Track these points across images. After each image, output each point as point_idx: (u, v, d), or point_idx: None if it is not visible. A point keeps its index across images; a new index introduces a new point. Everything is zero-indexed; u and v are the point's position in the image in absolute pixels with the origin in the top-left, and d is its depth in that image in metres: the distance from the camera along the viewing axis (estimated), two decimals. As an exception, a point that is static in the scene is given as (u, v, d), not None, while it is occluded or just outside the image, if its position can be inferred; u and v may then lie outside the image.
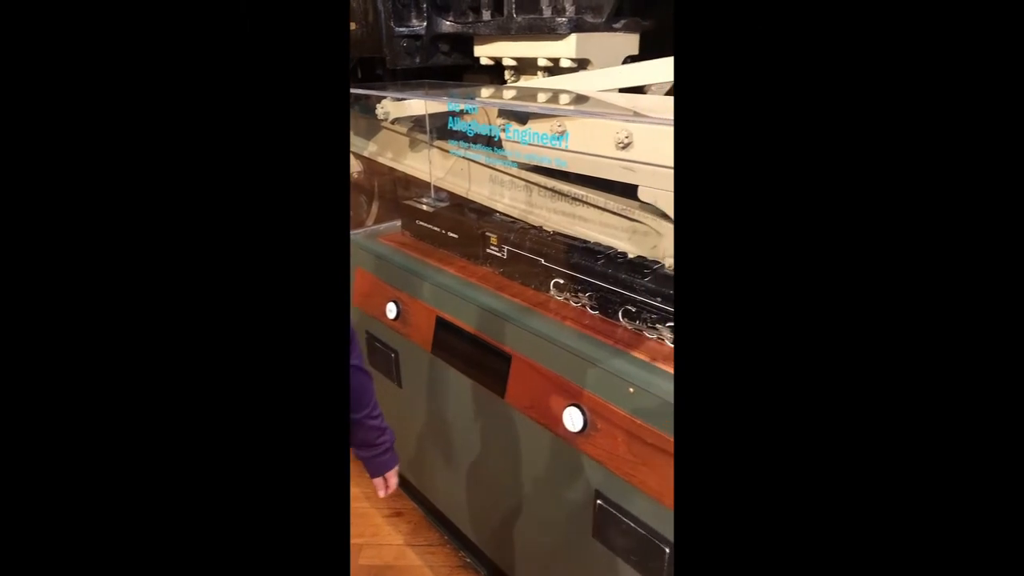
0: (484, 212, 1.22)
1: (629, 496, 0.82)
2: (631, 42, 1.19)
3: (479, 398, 1.06)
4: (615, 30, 1.14)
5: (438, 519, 1.39)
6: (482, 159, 1.20)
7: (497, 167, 1.19)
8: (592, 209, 1.04)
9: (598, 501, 0.87)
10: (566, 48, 1.13)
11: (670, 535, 0.78)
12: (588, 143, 0.95)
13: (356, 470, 0.83)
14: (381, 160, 1.52)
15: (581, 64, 1.16)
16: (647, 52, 1.19)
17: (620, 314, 0.90)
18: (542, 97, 1.13)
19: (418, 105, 1.28)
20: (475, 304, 1.02)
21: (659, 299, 0.85)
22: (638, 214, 0.96)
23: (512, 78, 1.31)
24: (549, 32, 1.12)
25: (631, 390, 0.78)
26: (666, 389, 0.75)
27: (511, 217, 1.18)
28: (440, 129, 1.26)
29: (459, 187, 1.30)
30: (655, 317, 0.85)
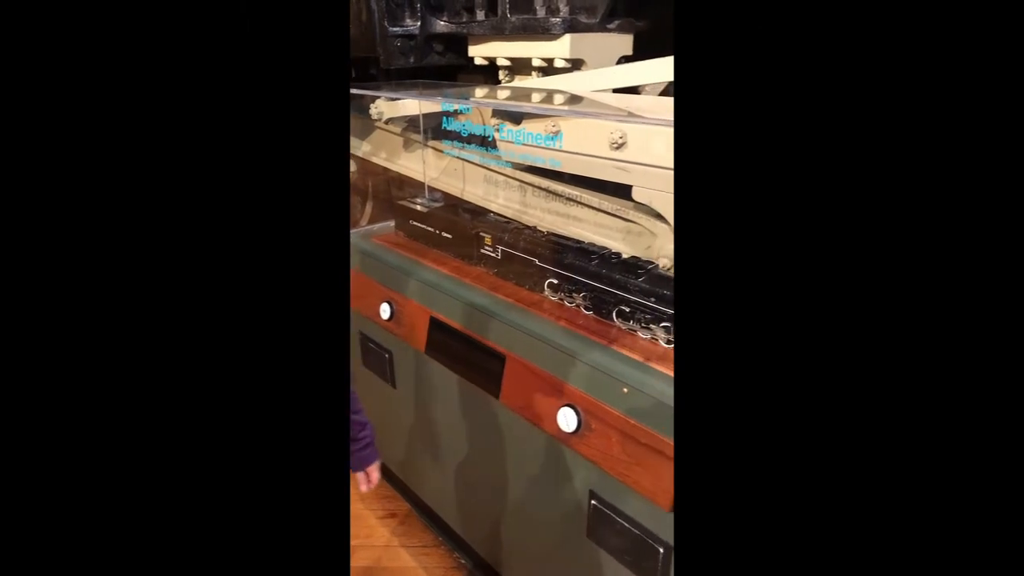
0: (478, 212, 1.22)
1: (623, 496, 0.82)
2: (625, 42, 1.20)
3: (473, 399, 1.06)
4: (609, 31, 1.14)
5: (432, 520, 1.39)
6: (476, 159, 1.19)
7: (491, 167, 1.18)
8: (586, 209, 1.04)
9: (592, 501, 0.87)
10: (560, 48, 1.13)
11: (664, 535, 0.78)
12: (582, 143, 0.95)
13: (349, 471, 0.83)
14: (375, 160, 1.52)
15: (575, 64, 1.16)
16: (641, 53, 1.19)
17: (614, 314, 0.90)
18: (536, 97, 1.13)
19: (412, 105, 1.28)
20: (469, 304, 1.02)
21: (653, 299, 0.85)
22: (632, 214, 0.96)
23: (506, 78, 1.31)
24: (543, 32, 1.12)
25: (625, 390, 0.78)
26: (660, 389, 0.75)
27: (505, 217, 1.18)
28: (434, 129, 1.26)
29: (453, 187, 1.30)
30: (649, 317, 0.85)
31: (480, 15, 1.23)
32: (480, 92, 1.27)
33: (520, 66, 1.26)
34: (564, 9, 1.10)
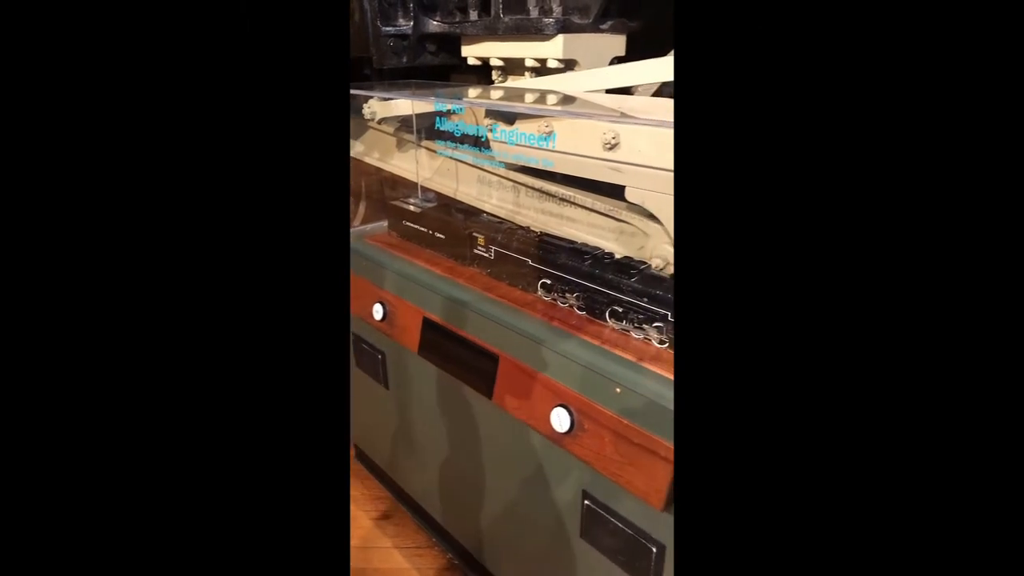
0: (471, 213, 1.22)
1: (616, 496, 0.82)
2: (618, 43, 1.20)
3: (466, 399, 1.06)
4: (602, 31, 1.14)
5: (425, 521, 1.39)
6: (469, 159, 1.19)
7: (484, 167, 1.18)
8: (579, 210, 1.04)
9: (585, 501, 0.87)
10: (553, 49, 1.13)
11: (657, 535, 0.78)
12: (575, 144, 0.95)
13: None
14: (368, 160, 1.51)
15: (568, 65, 1.16)
16: (633, 53, 1.19)
17: (607, 314, 0.90)
18: (529, 98, 1.13)
19: (405, 105, 1.27)
20: (462, 305, 1.02)
21: (646, 299, 0.85)
22: (625, 215, 0.96)
23: (499, 78, 1.30)
24: (536, 32, 1.12)
25: (618, 390, 0.78)
26: (653, 389, 0.75)
27: (498, 218, 1.18)
28: (427, 129, 1.26)
29: (446, 187, 1.30)
30: (642, 317, 0.86)
31: (473, 15, 1.23)
32: (473, 92, 1.27)
33: (513, 66, 1.26)
34: (557, 10, 1.10)
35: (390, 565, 1.33)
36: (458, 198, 1.27)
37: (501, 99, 1.19)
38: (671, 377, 0.78)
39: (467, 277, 1.11)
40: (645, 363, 0.81)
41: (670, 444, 0.72)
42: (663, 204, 0.86)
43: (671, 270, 0.89)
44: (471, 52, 1.28)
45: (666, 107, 0.96)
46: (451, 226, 1.17)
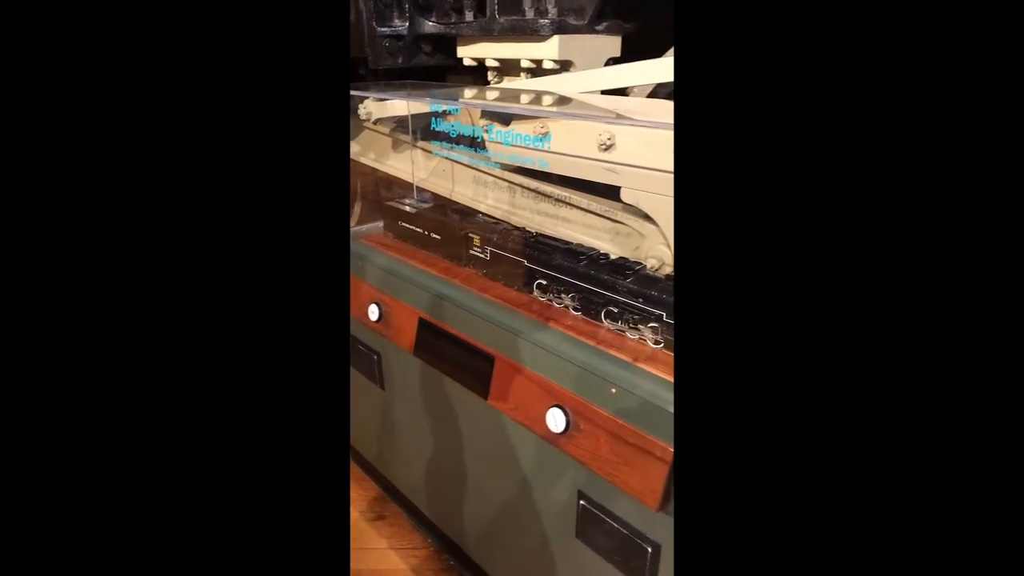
0: (467, 213, 1.22)
1: (612, 496, 0.83)
2: (613, 44, 1.20)
3: (462, 400, 1.06)
4: (597, 32, 1.14)
5: (421, 522, 1.38)
6: (465, 160, 1.19)
7: (480, 168, 1.18)
8: (575, 210, 1.04)
9: (581, 502, 0.87)
10: (548, 50, 1.13)
11: (652, 535, 0.78)
12: (571, 145, 0.95)
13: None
14: (363, 161, 1.51)
15: (564, 66, 1.16)
16: (629, 55, 1.20)
17: (603, 315, 0.90)
18: (525, 98, 1.14)
19: (400, 106, 1.27)
20: (458, 305, 1.02)
21: (641, 300, 0.85)
22: (620, 215, 0.96)
23: (495, 79, 1.31)
24: (531, 33, 1.12)
25: (613, 391, 0.78)
26: (648, 389, 0.75)
27: (494, 218, 1.18)
28: (423, 130, 1.25)
29: (442, 188, 1.30)
30: (637, 318, 0.86)
31: (469, 16, 1.23)
32: (469, 93, 1.27)
33: (509, 67, 1.26)
34: (553, 10, 1.10)
35: (385, 566, 1.33)
36: (454, 199, 1.27)
37: (497, 100, 1.20)
38: (667, 377, 0.78)
39: (463, 278, 1.11)
40: (641, 363, 0.81)
41: (665, 444, 0.72)
42: (658, 205, 0.86)
43: (666, 271, 0.89)
44: (467, 53, 1.28)
45: (662, 108, 0.96)
46: (447, 227, 1.17)
